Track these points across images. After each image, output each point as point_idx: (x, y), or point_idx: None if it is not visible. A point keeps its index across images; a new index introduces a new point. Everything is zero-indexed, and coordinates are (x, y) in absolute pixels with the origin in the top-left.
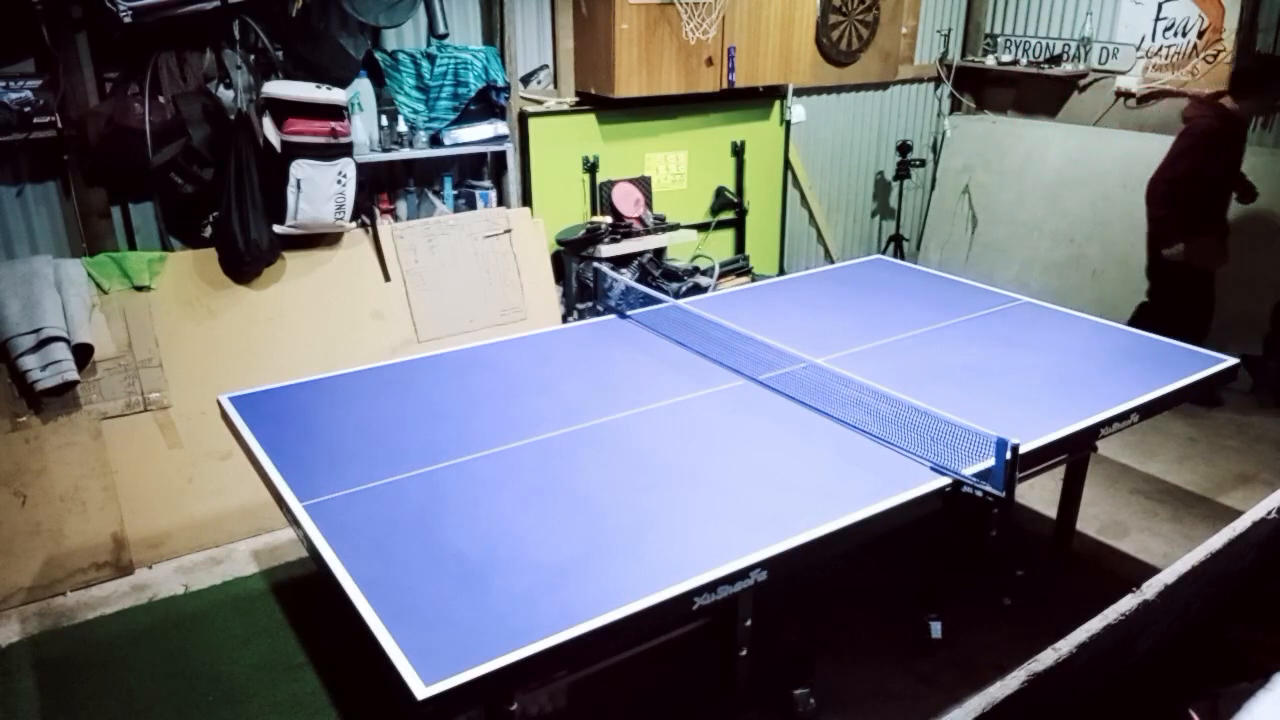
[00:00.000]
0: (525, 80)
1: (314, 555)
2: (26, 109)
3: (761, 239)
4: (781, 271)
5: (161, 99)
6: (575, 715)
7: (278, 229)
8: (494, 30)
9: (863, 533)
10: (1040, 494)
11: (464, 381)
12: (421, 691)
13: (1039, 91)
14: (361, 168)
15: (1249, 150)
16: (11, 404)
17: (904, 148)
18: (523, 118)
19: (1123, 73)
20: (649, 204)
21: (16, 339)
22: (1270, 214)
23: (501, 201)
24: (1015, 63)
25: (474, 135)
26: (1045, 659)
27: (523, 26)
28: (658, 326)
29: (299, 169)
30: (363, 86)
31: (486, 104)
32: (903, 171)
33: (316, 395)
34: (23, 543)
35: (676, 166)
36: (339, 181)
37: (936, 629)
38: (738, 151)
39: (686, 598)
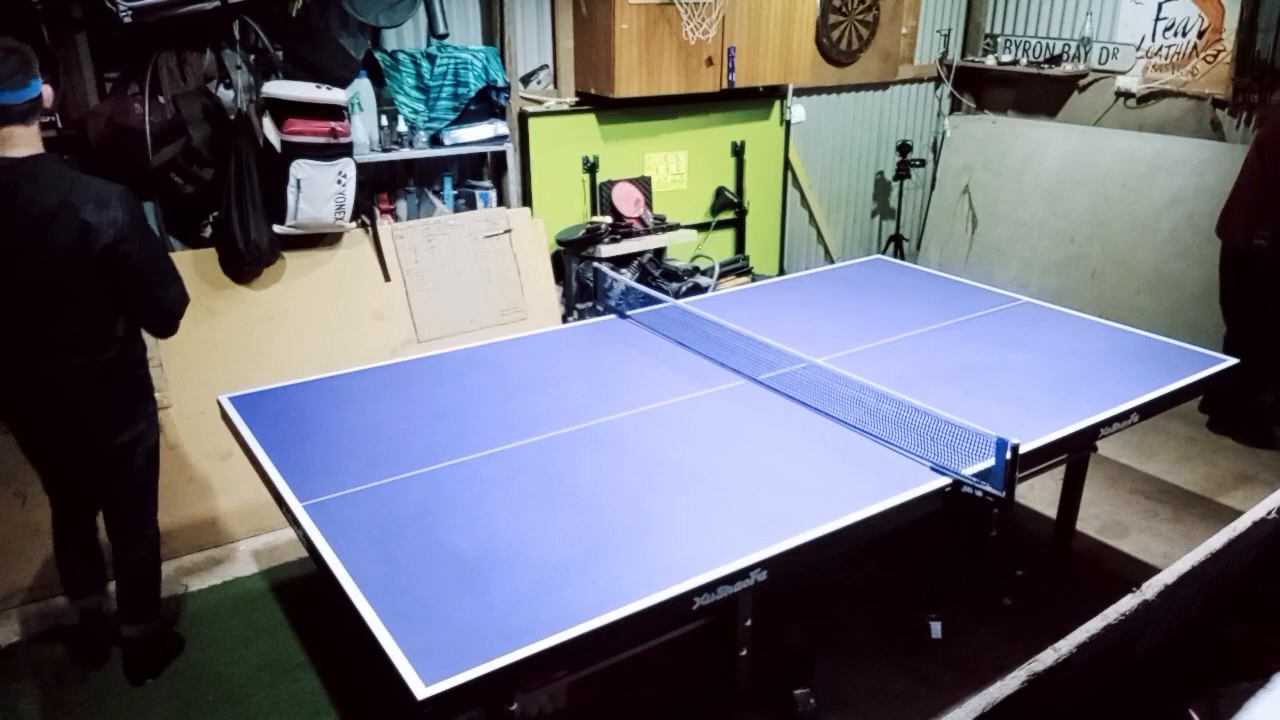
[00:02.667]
0: (525, 80)
1: (314, 555)
2: None
3: (761, 239)
4: (781, 271)
5: (161, 99)
6: (575, 715)
7: (278, 229)
8: (494, 30)
9: (863, 533)
10: (1040, 494)
11: (464, 381)
12: (421, 691)
13: (1039, 91)
14: (361, 168)
15: None
16: None
17: (904, 148)
18: (523, 118)
19: (1123, 73)
20: (649, 204)
21: None
22: None
23: (501, 201)
24: (1015, 63)
25: (474, 135)
26: (1045, 659)
27: (523, 26)
28: (658, 326)
29: (299, 169)
30: (363, 86)
31: (486, 104)
32: (903, 171)
33: (316, 395)
34: (23, 543)
35: (676, 166)
36: (339, 181)
37: (936, 629)
38: (738, 151)
39: (686, 598)
